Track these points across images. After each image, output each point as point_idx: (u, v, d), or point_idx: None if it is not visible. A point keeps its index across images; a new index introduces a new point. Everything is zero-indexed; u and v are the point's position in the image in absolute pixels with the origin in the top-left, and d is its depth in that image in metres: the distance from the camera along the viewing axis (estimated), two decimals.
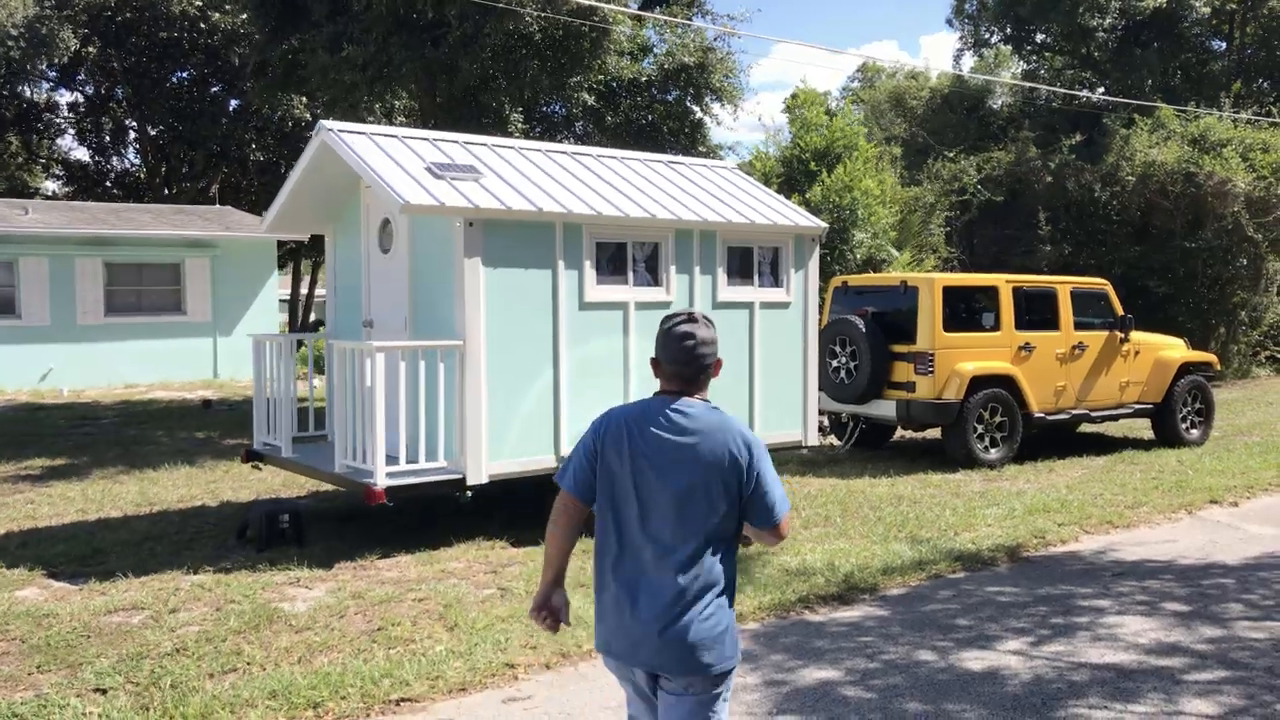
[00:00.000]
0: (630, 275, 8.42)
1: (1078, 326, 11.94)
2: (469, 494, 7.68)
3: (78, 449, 12.83)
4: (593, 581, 3.16)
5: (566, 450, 8.06)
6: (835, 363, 11.62)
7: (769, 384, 9.26)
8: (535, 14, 12.40)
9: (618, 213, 8.25)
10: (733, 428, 3.03)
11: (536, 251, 7.90)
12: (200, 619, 6.08)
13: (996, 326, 11.44)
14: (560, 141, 16.87)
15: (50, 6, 26.93)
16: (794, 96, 19.37)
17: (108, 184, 37.18)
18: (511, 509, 8.76)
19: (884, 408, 11.38)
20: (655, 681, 3.04)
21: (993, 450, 11.25)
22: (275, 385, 8.72)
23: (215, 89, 32.27)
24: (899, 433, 13.04)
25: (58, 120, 35.91)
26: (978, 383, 11.08)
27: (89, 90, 34.71)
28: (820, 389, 11.79)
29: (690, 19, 15.71)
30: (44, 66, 29.58)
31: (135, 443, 13.40)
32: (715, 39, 15.73)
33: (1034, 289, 11.82)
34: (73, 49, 27.73)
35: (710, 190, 9.49)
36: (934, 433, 12.35)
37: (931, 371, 10.98)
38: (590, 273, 8.17)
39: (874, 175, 16.92)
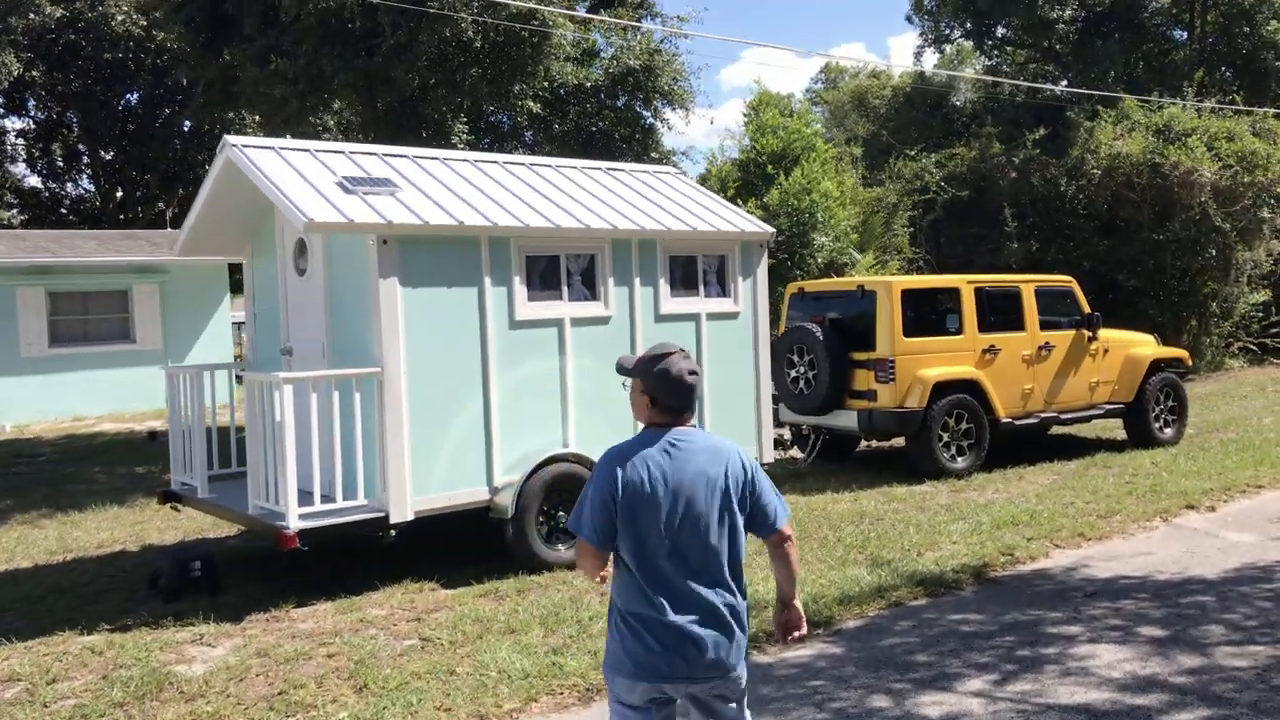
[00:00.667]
0: (565, 290, 7.90)
1: (1043, 326, 11.49)
2: (393, 533, 7.12)
3: (3, 491, 12.18)
4: (616, 618, 3.27)
5: (500, 480, 7.52)
6: (793, 373, 11.14)
7: (719, 399, 8.75)
8: (471, 18, 11.87)
9: (547, 224, 7.72)
10: (729, 446, 3.32)
11: (460, 269, 7.36)
12: (82, 689, 5.50)
13: (959, 330, 10.98)
14: (510, 152, 16.35)
15: None
16: (755, 99, 18.93)
17: (63, 210, 36.38)
18: (445, 544, 8.21)
19: (845, 418, 10.89)
20: (692, 703, 3.29)
21: (959, 459, 10.77)
22: (189, 420, 8.15)
23: (166, 111, 31.56)
24: (865, 442, 12.55)
25: (7, 147, 35.08)
26: (941, 389, 10.61)
27: (39, 116, 33.94)
28: (779, 400, 11.33)
29: (639, 20, 15.23)
30: None
31: (68, 481, 12.76)
32: (662, 41, 15.27)
33: (997, 289, 11.36)
34: (15, 73, 27.03)
35: (651, 198, 8.99)
36: (901, 441, 11.87)
37: (893, 379, 10.50)
38: (520, 289, 7.65)
39: (833, 177, 16.46)
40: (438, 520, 7.47)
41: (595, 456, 7.77)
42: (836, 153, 18.26)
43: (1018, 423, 11.22)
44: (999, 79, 26.50)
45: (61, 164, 35.80)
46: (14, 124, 34.98)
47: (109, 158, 34.02)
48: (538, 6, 12.24)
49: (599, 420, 7.97)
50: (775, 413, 11.52)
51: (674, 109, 15.83)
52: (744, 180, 16.48)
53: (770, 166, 16.14)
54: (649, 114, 15.72)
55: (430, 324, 7.19)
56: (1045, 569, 7.43)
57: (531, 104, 14.12)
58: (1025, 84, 26.58)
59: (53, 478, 13.12)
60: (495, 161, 8.78)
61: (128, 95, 31.83)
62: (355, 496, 7.03)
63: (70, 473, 13.54)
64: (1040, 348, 11.41)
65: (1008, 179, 21.70)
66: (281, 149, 7.66)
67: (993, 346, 11.05)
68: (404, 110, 13.45)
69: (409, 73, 12.29)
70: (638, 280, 8.25)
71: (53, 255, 20.56)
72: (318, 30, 12.40)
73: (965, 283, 11.13)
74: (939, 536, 8.27)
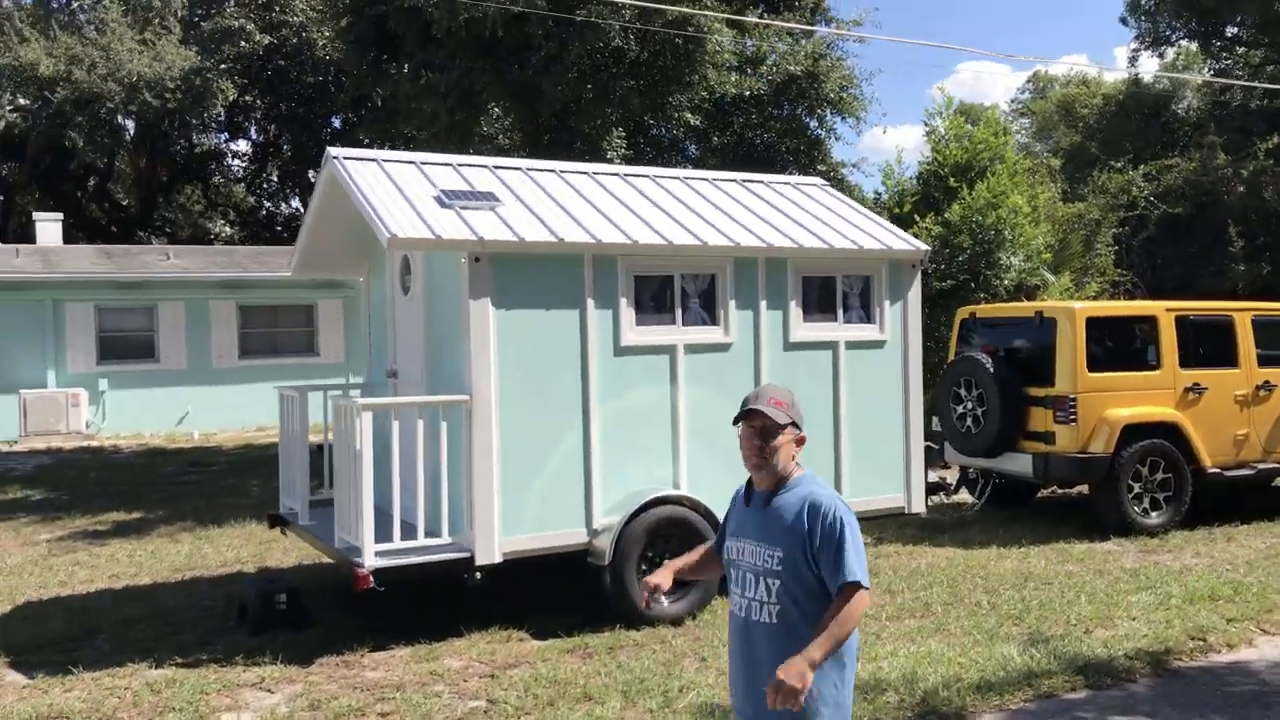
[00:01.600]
0: (678, 313, 7.15)
1: (1263, 362, 9.85)
2: (478, 575, 6.54)
3: (163, 501, 12.47)
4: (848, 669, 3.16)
5: (601, 522, 6.84)
6: (960, 409, 9.96)
7: (860, 438, 7.78)
8: (620, 25, 11.32)
9: (659, 240, 7.01)
10: None
11: (560, 289, 6.74)
12: None
13: (1156, 364, 9.54)
14: (673, 165, 15.75)
15: (213, 59, 27.81)
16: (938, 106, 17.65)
17: (278, 227, 38.45)
18: (551, 585, 7.58)
19: (1018, 462, 9.61)
20: None
21: (1153, 514, 9.32)
22: (292, 441, 7.88)
23: (362, 134, 32.77)
24: (1045, 489, 11.14)
25: (230, 167, 37.37)
26: (1132, 432, 9.21)
27: (258, 139, 35.96)
28: (945, 439, 10.21)
29: (813, 24, 14.29)
30: (207, 117, 30.60)
31: (226, 493, 12.97)
32: (829, 45, 14.28)
33: (1204, 318, 9.83)
34: (230, 98, 28.64)
35: (788, 212, 8.13)
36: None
37: (1074, 419, 9.18)
38: (627, 312, 6.95)
39: (1024, 190, 14.99)
40: (543, 561, 6.86)
41: (708, 499, 7.02)
42: (1031, 164, 16.69)
43: (1228, 473, 9.64)
44: (1229, 81, 23.89)
45: (277, 183, 37.87)
46: (238, 146, 37.20)
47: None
48: (692, 11, 11.56)
49: (715, 459, 7.17)
50: (940, 452, 10.42)
51: (843, 118, 14.84)
52: (924, 194, 15.26)
53: (953, 179, 14.87)
54: (814, 123, 14.78)
55: (526, 349, 6.60)
56: (1245, 662, 6.10)
57: (690, 116, 13.46)
58: (1263, 85, 23.88)
59: (214, 489, 13.39)
60: (616, 174, 8.14)
61: (331, 118, 33.23)
62: (440, 534, 6.50)
63: (231, 484, 13.81)
64: (1259, 387, 9.79)
65: (1234, 193, 19.45)
66: (384, 160, 7.28)
67: (1197, 384, 9.54)
68: (558, 124, 13.07)
69: (558, 85, 11.88)
70: (764, 303, 7.41)
71: (243, 270, 21.45)
72: (470, 44, 12.18)
73: (1164, 310, 9.67)
74: (1115, 610, 7.02)
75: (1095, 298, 16.03)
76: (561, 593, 7.38)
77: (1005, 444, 9.61)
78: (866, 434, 7.81)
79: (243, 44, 27.59)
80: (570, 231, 6.81)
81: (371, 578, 6.12)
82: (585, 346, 6.79)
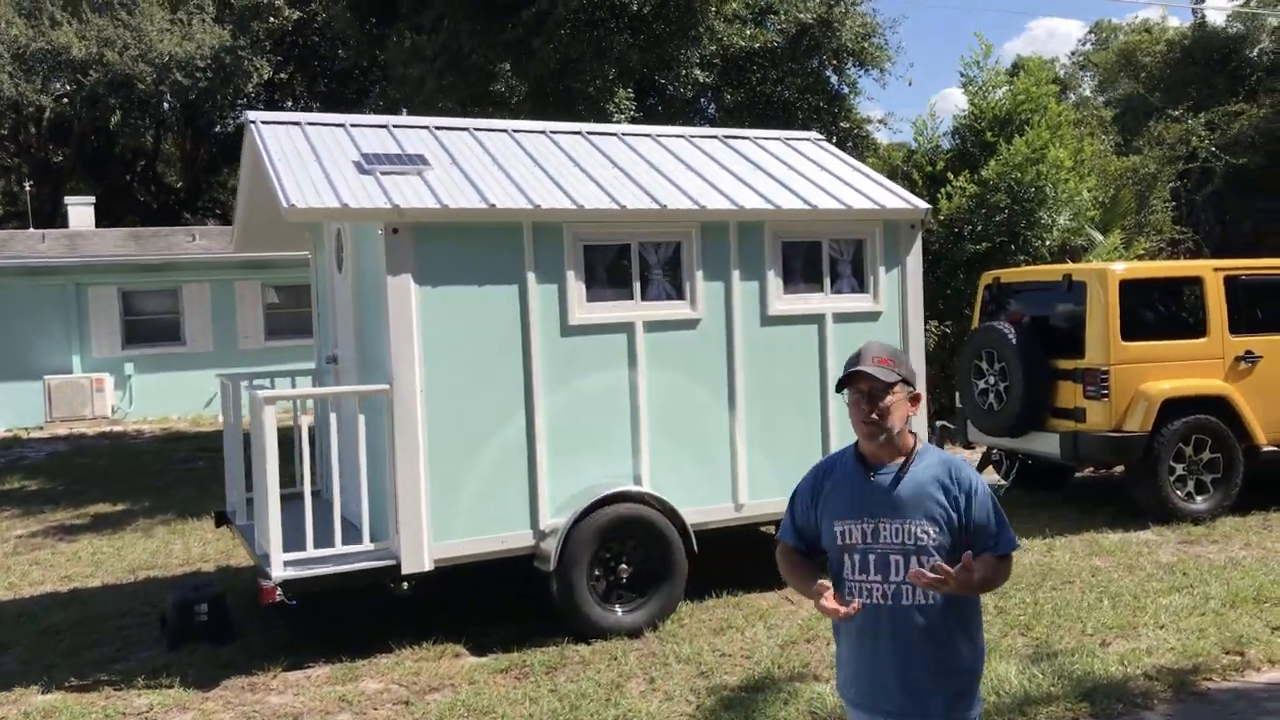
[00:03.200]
0: (637, 286, 6.35)
1: None
2: (405, 585, 5.86)
3: (156, 490, 12.07)
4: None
5: (549, 522, 6.11)
6: (982, 383, 9.02)
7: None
8: None
9: (610, 205, 6.21)
10: None
11: (496, 262, 5.99)
12: None
13: (1202, 331, 8.49)
14: (691, 125, 14.84)
15: (245, 37, 27.40)
16: (1016, 66, 16.45)
17: None
18: (504, 593, 6.88)
19: (1045, 442, 8.65)
20: None
21: (1199, 498, 8.32)
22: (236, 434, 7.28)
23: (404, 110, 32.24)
24: (1082, 470, 10.13)
25: None
26: (1174, 408, 8.20)
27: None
28: (966, 418, 9.30)
29: None
30: (251, 96, 30.28)
31: (223, 482, 12.51)
32: None
33: (1258, 279, 8.73)
34: (265, 77, 28.23)
35: (770, 170, 7.27)
36: None
37: (1106, 394, 8.20)
38: (576, 286, 6.17)
39: (1070, 143, 13.79)
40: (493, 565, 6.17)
41: (675, 495, 6.24)
42: (1077, 115, 15.44)
43: None
44: None
45: None
46: None
47: None
48: None
49: (683, 450, 6.40)
50: (962, 431, 9.52)
51: (865, 71, 13.79)
52: (960, 151, 14.16)
53: (990, 133, 13.75)
54: (835, 77, 13.72)
55: (456, 331, 5.87)
56: None
57: (699, 73, 12.53)
58: None
59: (212, 478, 12.91)
60: (577, 133, 7.34)
61: (368, 93, 32.75)
62: (359, 540, 5.82)
63: None
64: None
65: None
66: (308, 124, 6.59)
67: (1250, 353, 8.49)
68: (549, 85, 12.24)
69: (549, 43, 11.07)
70: (737, 273, 6.57)
71: (268, 250, 21.04)
72: (460, 3, 11.41)
73: (1211, 270, 8.61)
74: (1141, 615, 6.12)
75: (1143, 258, 14.80)
76: (520, 598, 6.68)
77: (1030, 422, 8.66)
78: None
79: (271, 20, 27.16)
80: (506, 197, 6.04)
81: (279, 590, 5.46)
82: (527, 327, 6.03)
